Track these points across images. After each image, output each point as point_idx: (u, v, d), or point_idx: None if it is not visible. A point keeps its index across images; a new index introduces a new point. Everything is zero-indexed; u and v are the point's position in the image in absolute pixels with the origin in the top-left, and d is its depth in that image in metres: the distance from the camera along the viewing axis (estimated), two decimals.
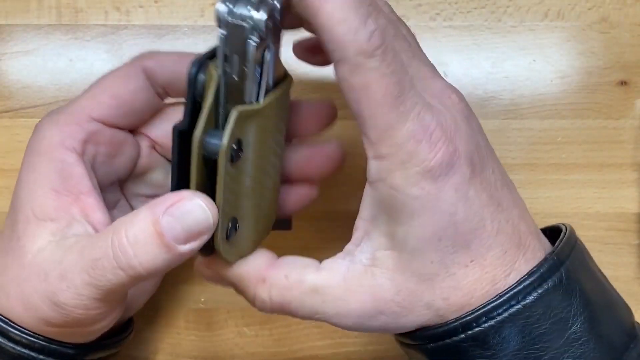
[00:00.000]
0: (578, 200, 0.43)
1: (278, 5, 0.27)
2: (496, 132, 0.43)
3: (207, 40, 0.43)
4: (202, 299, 0.43)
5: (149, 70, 0.34)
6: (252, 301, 0.31)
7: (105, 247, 0.29)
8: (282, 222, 0.41)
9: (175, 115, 0.35)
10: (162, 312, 0.43)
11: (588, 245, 0.33)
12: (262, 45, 0.27)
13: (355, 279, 0.30)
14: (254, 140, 0.29)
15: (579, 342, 0.29)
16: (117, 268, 0.28)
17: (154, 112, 0.35)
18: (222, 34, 0.27)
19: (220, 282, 0.32)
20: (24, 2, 0.43)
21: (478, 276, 0.29)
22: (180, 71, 0.31)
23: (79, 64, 0.43)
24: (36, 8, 0.43)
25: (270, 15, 0.27)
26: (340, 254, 0.31)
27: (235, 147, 0.28)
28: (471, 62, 0.43)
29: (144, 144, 0.36)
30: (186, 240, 0.28)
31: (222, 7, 0.27)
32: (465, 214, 0.29)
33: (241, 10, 0.27)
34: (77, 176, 0.32)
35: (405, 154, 0.28)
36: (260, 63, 0.28)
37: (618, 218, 0.43)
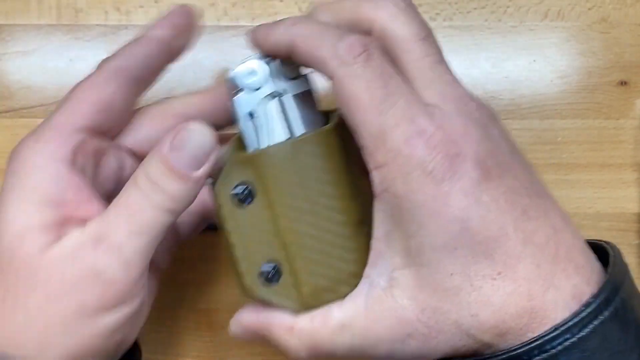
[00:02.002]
0: (578, 200, 0.43)
1: (267, 69, 0.30)
2: None
3: (207, 40, 0.43)
4: (203, 299, 0.43)
5: (119, 69, 0.33)
6: (290, 354, 0.30)
7: (135, 192, 0.29)
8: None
9: (147, 122, 0.34)
10: (163, 312, 0.43)
11: None
12: (247, 103, 0.30)
13: (377, 305, 0.28)
14: (271, 183, 0.30)
15: None
16: (151, 206, 0.29)
17: (132, 114, 0.35)
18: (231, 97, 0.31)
19: (256, 336, 0.32)
20: (24, 2, 0.43)
21: (510, 290, 0.27)
22: (148, 60, 0.33)
23: (79, 64, 0.43)
24: (36, 8, 0.43)
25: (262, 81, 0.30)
26: (361, 281, 0.30)
27: (240, 192, 0.30)
28: (471, 62, 0.43)
29: (124, 155, 0.35)
30: (197, 165, 0.29)
31: (230, 75, 0.31)
32: (481, 220, 0.27)
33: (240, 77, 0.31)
34: (75, 187, 0.31)
35: (402, 158, 0.27)
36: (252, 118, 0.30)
37: (618, 218, 0.43)
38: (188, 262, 0.43)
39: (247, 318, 0.31)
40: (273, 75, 0.30)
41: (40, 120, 0.42)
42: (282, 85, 0.30)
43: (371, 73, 0.27)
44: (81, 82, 0.33)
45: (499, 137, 0.29)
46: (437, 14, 0.43)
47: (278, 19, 0.30)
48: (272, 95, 0.30)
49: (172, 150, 0.29)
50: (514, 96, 0.43)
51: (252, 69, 0.30)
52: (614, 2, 0.43)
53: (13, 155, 0.31)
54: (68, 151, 0.31)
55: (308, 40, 0.29)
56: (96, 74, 0.33)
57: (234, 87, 0.31)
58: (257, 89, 0.30)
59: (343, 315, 0.29)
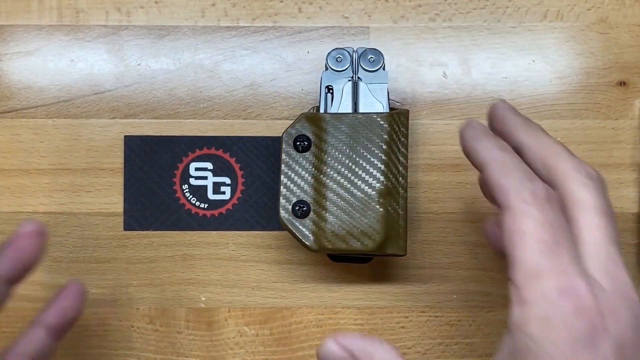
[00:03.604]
0: None
1: (349, 59, 0.40)
2: None
3: (207, 40, 0.43)
4: (203, 298, 0.43)
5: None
6: None
7: None
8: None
9: None
10: (162, 312, 0.43)
11: None
12: (328, 81, 0.40)
13: None
14: (324, 141, 0.39)
15: None
16: None
17: None
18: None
19: None
20: (25, 3, 0.43)
21: None
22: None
23: (80, 65, 0.43)
24: (37, 9, 0.43)
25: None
26: None
27: (301, 141, 0.39)
28: (471, 62, 0.43)
29: None
30: None
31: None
32: None
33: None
34: None
35: (549, 304, 0.27)
36: (330, 91, 0.40)
37: (617, 218, 0.43)
38: (188, 262, 0.43)
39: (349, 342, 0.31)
40: (354, 64, 0.40)
41: (41, 121, 0.43)
42: (360, 73, 0.40)
43: (545, 218, 0.29)
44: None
45: None
46: (437, 14, 0.43)
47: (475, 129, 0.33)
48: (349, 79, 0.40)
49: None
50: (513, 96, 0.43)
51: (339, 56, 0.40)
52: (613, 3, 0.43)
53: None
54: None
55: (501, 165, 0.30)
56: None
57: (325, 66, 0.40)
58: (339, 71, 0.40)
59: None
